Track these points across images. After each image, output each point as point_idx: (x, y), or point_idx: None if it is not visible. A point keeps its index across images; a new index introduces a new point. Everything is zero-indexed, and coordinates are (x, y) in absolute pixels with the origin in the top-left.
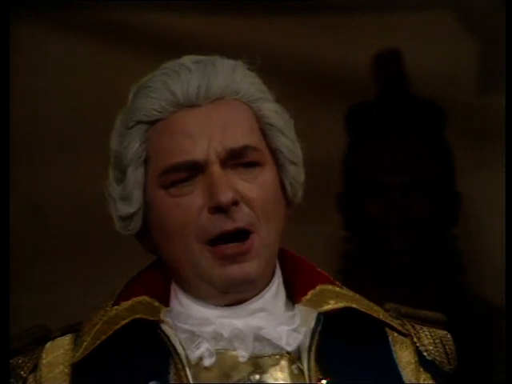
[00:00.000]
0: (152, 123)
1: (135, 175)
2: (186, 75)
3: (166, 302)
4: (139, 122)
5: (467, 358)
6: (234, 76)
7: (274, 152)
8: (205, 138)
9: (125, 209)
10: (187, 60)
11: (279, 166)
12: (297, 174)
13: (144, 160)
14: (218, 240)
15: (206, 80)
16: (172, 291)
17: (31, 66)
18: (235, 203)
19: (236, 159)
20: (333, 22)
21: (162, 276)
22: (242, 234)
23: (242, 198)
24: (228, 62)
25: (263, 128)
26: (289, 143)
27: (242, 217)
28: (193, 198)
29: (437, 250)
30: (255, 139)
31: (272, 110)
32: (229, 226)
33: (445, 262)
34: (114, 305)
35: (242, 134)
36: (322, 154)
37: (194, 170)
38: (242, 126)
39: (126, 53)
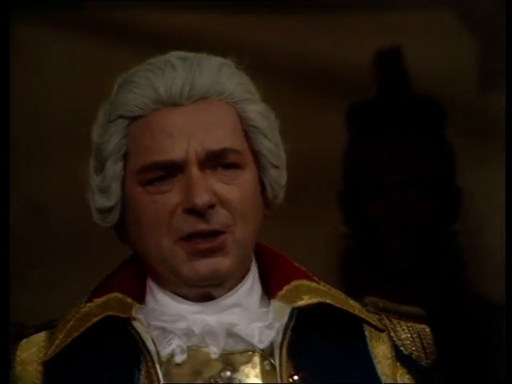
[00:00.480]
0: (134, 119)
1: (114, 169)
2: (171, 73)
3: (140, 298)
4: (121, 117)
5: (468, 356)
6: (219, 76)
7: (256, 154)
8: (185, 138)
9: (103, 202)
10: (173, 56)
11: (261, 168)
12: (278, 177)
13: (123, 154)
14: (190, 237)
15: (191, 79)
16: (147, 287)
17: (31, 65)
18: (211, 206)
19: (215, 160)
20: (333, 21)
21: (137, 272)
22: (215, 234)
23: (220, 200)
24: (215, 61)
25: (246, 130)
26: (272, 146)
27: (218, 219)
28: (169, 197)
29: (437, 248)
30: (237, 141)
31: (256, 112)
32: (202, 227)
33: (445, 259)
34: (87, 301)
35: (223, 136)
36: (323, 151)
37: (173, 169)
38: (224, 128)
39: (127, 52)
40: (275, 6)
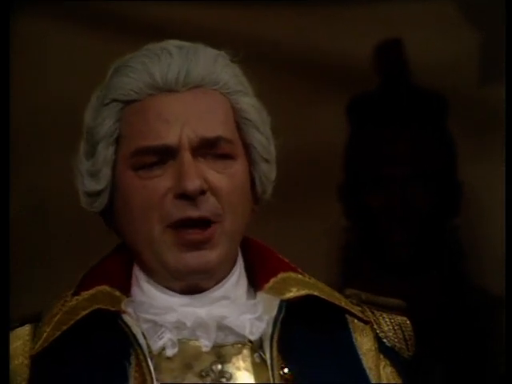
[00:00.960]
0: (128, 103)
1: (105, 153)
2: (167, 59)
3: (127, 289)
4: (115, 100)
5: (468, 349)
6: (215, 66)
7: (247, 147)
8: (179, 124)
9: (92, 185)
10: (170, 44)
11: (251, 162)
12: (268, 172)
13: (116, 138)
14: (179, 225)
15: (187, 66)
16: (133, 278)
17: (31, 58)
18: (202, 192)
19: (208, 149)
20: (333, 13)
21: (123, 262)
22: (204, 223)
23: (210, 188)
24: (211, 51)
25: (239, 122)
26: (263, 140)
27: (208, 206)
28: (160, 181)
29: (437, 241)
30: (229, 131)
31: (250, 105)
32: (193, 213)
33: (445, 251)
34: (73, 294)
35: (216, 125)
36: (323, 145)
37: (165, 154)
38: (218, 117)
39: (127, 45)
40: None
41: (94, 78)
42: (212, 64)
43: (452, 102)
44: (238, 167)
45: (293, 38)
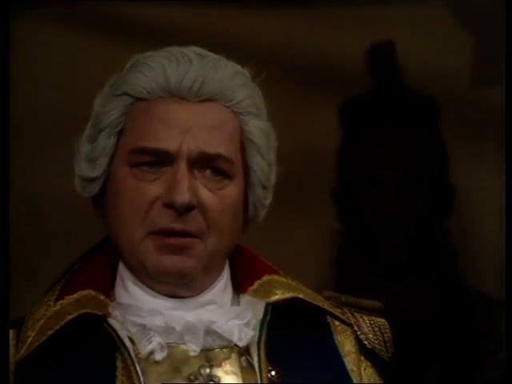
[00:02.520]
0: (138, 99)
1: (106, 142)
2: (185, 66)
3: (110, 291)
4: (126, 94)
5: (464, 351)
6: (231, 82)
7: (247, 169)
8: (181, 132)
9: (87, 171)
10: (192, 51)
11: (248, 184)
12: (263, 198)
13: (119, 131)
14: (161, 233)
15: (203, 78)
16: (118, 278)
17: (31, 58)
18: (190, 208)
19: (206, 164)
20: (327, 15)
21: (108, 261)
22: (186, 235)
23: (199, 205)
24: (231, 67)
25: (244, 142)
26: (264, 165)
27: (193, 222)
28: (153, 187)
29: (432, 243)
30: (231, 151)
31: (258, 128)
32: (177, 225)
33: (440, 253)
34: (57, 299)
35: (219, 142)
36: (316, 146)
37: (162, 159)
38: (223, 134)
39: (126, 45)
40: (267, 1)
41: (94, 78)
42: (229, 80)
43: (444, 105)
44: (233, 188)
45: (285, 41)
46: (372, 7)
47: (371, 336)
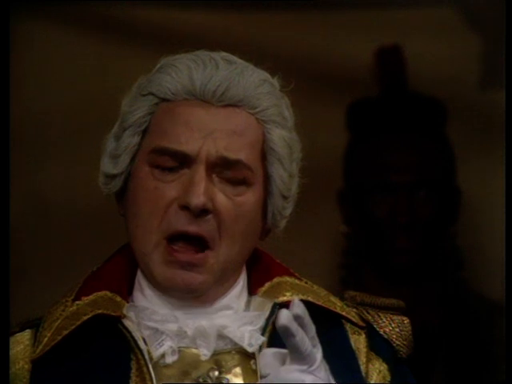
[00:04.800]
0: (163, 100)
1: (129, 140)
2: (212, 70)
3: (128, 295)
4: (152, 94)
5: (469, 356)
6: (257, 90)
7: (267, 177)
8: (203, 136)
9: (109, 167)
10: (220, 56)
11: (268, 193)
12: (283, 208)
13: (143, 130)
14: (175, 239)
15: (228, 83)
16: (136, 282)
17: (32, 59)
18: (205, 211)
19: (225, 169)
20: (334, 19)
21: (126, 264)
22: (199, 242)
23: (214, 210)
24: (258, 75)
25: (266, 151)
26: (285, 175)
27: (207, 227)
28: (170, 188)
29: (439, 247)
30: (252, 158)
31: (281, 138)
32: (191, 228)
33: (447, 259)
34: (74, 300)
35: (240, 148)
36: (323, 150)
37: (182, 161)
38: (244, 140)
39: (126, 46)
40: (275, 3)
41: (94, 79)
42: (255, 87)
43: (452, 109)
44: (250, 196)
45: (292, 45)
46: (380, 11)
47: (388, 331)
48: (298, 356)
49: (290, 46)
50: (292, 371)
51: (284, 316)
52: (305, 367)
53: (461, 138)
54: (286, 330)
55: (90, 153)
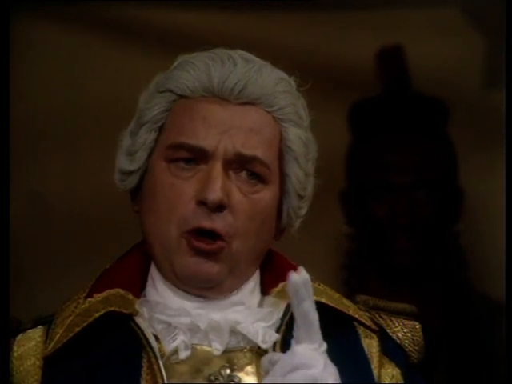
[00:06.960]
0: (181, 97)
1: (146, 137)
2: (230, 67)
3: (140, 292)
4: (169, 91)
5: (471, 356)
6: (274, 89)
7: (284, 176)
8: (221, 132)
9: (125, 164)
10: (238, 54)
11: (284, 192)
12: (298, 207)
13: (160, 127)
14: (192, 233)
15: (245, 81)
16: (149, 278)
17: (32, 59)
18: (221, 207)
19: (242, 165)
20: (336, 18)
21: (139, 262)
22: (214, 236)
23: (230, 206)
24: (276, 74)
25: (283, 150)
26: (300, 174)
27: (223, 222)
28: (188, 185)
29: (441, 247)
30: (268, 156)
31: (297, 136)
32: (206, 223)
33: (449, 259)
34: (86, 297)
35: (257, 145)
36: (325, 150)
37: (199, 157)
38: (261, 138)
39: (127, 47)
40: (278, 3)
41: (94, 79)
42: (272, 86)
43: (454, 109)
44: (266, 193)
45: (293, 44)
46: (382, 11)
47: (401, 335)
48: (307, 330)
49: (291, 46)
50: (305, 349)
51: (296, 277)
52: (315, 345)
53: (463, 137)
54: (297, 292)
55: (91, 150)
